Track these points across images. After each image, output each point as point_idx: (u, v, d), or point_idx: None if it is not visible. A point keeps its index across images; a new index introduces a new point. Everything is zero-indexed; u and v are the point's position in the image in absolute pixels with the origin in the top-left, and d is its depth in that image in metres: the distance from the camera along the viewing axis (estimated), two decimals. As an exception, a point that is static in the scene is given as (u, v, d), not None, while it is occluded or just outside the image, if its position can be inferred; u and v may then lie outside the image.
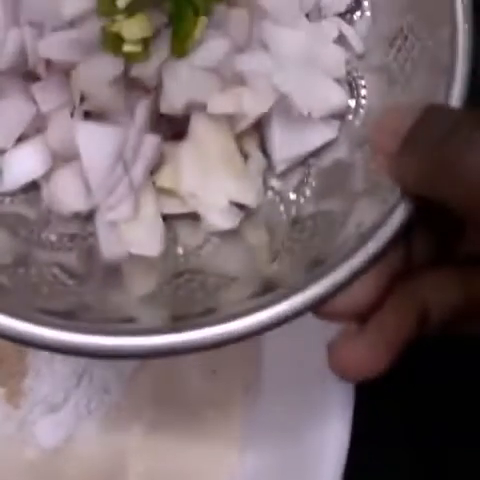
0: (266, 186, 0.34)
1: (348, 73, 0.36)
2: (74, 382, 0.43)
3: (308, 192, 0.34)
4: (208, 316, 0.29)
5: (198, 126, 0.33)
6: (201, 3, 0.31)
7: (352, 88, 0.36)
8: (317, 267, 0.29)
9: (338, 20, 0.36)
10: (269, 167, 0.34)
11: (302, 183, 0.34)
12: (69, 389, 0.43)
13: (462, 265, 0.30)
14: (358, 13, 0.36)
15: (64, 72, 0.33)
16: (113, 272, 0.32)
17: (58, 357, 0.43)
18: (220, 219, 0.33)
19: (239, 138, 0.34)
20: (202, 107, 0.32)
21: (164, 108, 0.32)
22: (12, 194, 0.34)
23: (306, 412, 0.40)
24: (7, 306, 0.28)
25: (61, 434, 0.42)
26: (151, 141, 0.33)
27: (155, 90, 0.33)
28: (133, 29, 0.30)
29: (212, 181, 0.33)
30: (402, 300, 0.29)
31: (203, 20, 0.31)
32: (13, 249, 0.33)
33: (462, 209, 0.26)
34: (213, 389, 0.44)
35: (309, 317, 0.29)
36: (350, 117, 0.35)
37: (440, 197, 0.27)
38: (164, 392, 0.44)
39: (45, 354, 0.43)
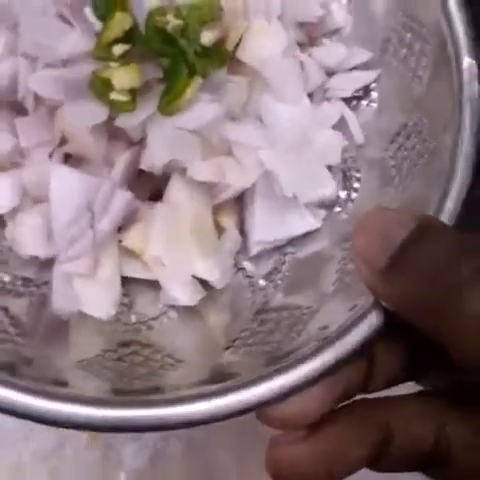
0: (237, 267, 0.31)
1: (344, 162, 0.32)
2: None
3: (280, 281, 0.30)
4: (148, 395, 0.25)
5: (176, 189, 0.30)
6: (198, 64, 0.28)
7: (346, 178, 0.32)
8: (271, 365, 0.25)
9: (342, 105, 0.33)
10: (243, 247, 0.31)
11: (275, 270, 0.31)
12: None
13: (438, 400, 0.26)
14: (365, 102, 0.33)
15: (51, 111, 0.30)
16: (59, 328, 0.29)
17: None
18: (180, 293, 0.29)
19: (217, 211, 0.30)
20: (183, 170, 0.29)
21: (144, 165, 0.29)
22: (-26, 228, 0.31)
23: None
24: None
25: (146, 455, 0.41)
26: (123, 197, 0.29)
27: (138, 145, 0.29)
28: (123, 78, 0.27)
29: (180, 251, 0.29)
30: (359, 419, 0.25)
31: (197, 81, 0.28)
32: None
33: (455, 354, 0.23)
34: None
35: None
36: (338, 209, 0.32)
37: (428, 331, 0.23)
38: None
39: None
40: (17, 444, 0.40)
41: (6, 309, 0.28)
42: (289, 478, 0.25)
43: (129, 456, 0.40)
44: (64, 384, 0.25)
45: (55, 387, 0.24)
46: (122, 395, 0.25)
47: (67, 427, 0.23)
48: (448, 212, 0.26)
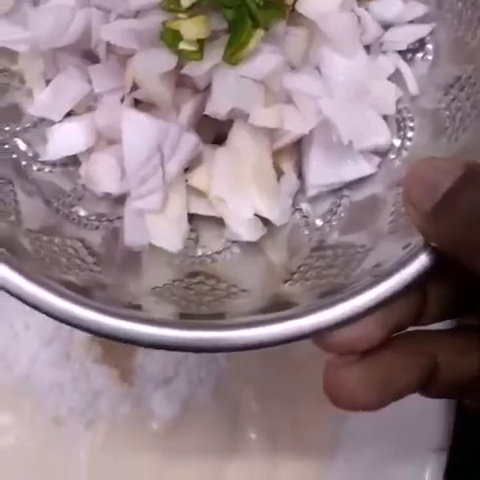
0: (295, 207, 0.33)
1: (399, 112, 0.34)
2: (183, 354, 0.42)
3: (335, 222, 0.32)
4: (214, 320, 0.27)
5: (238, 135, 0.32)
6: (261, 16, 0.29)
7: (400, 127, 0.34)
8: (328, 296, 0.27)
9: (397, 57, 0.34)
10: (301, 189, 0.33)
11: (331, 212, 0.33)
12: (178, 362, 0.43)
13: None
14: (420, 54, 0.34)
15: (122, 59, 0.32)
16: (132, 259, 0.31)
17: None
18: (243, 229, 0.31)
19: (276, 155, 0.32)
20: (245, 116, 0.31)
21: (209, 111, 0.31)
22: (52, 164, 0.34)
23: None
24: (23, 268, 0.27)
25: (176, 405, 0.42)
26: (190, 140, 0.31)
27: (203, 92, 0.31)
28: (192, 29, 0.29)
29: (241, 191, 0.31)
30: (409, 348, 0.27)
31: (259, 33, 0.30)
32: (43, 217, 0.32)
33: None
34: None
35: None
36: (392, 156, 0.33)
37: (473, 271, 0.25)
38: (268, 352, 0.43)
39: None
40: (54, 399, 0.42)
41: (83, 240, 0.31)
42: (345, 399, 0.27)
43: (160, 406, 0.42)
44: (138, 308, 0.27)
45: (129, 309, 0.27)
46: (189, 319, 0.27)
47: (142, 345, 0.26)
48: None
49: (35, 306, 0.26)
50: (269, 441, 0.42)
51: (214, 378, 0.42)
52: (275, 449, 0.42)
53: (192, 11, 0.29)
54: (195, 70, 0.30)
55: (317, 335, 0.26)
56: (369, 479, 0.41)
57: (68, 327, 0.37)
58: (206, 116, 0.32)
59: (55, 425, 0.42)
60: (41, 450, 0.42)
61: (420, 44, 0.34)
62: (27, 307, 0.30)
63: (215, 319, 0.27)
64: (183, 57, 0.30)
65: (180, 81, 0.31)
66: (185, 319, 0.27)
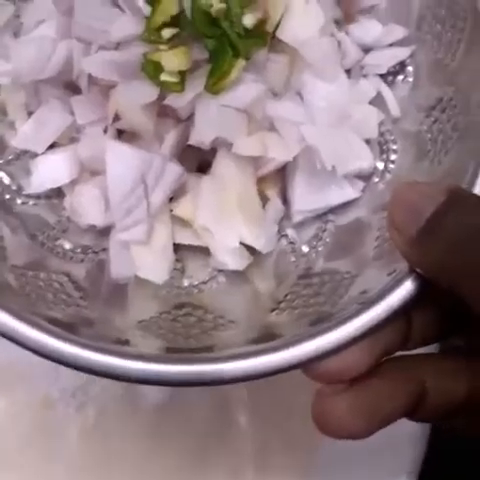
0: (280, 234, 0.33)
1: (381, 135, 0.34)
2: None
3: (321, 248, 0.32)
4: (202, 353, 0.27)
5: (222, 163, 0.32)
6: (242, 46, 0.30)
7: (383, 150, 0.34)
8: (315, 325, 0.27)
9: (378, 81, 0.34)
10: (286, 215, 0.33)
11: (316, 237, 0.33)
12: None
13: (469, 357, 0.28)
14: (400, 77, 0.35)
15: (104, 90, 0.32)
16: (118, 292, 0.31)
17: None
18: (229, 258, 0.31)
19: (261, 182, 0.32)
20: (229, 145, 0.31)
21: (193, 140, 0.31)
22: (37, 197, 0.34)
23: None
24: (7, 305, 0.27)
25: (167, 389, 0.42)
26: (174, 170, 0.31)
27: (186, 121, 0.32)
28: (173, 60, 0.29)
29: (227, 220, 0.31)
30: (397, 375, 0.27)
31: (240, 62, 0.30)
32: (28, 252, 0.32)
33: None
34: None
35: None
36: (376, 179, 0.33)
37: (459, 294, 0.25)
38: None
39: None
40: (46, 381, 0.42)
41: (69, 274, 0.31)
42: (333, 427, 0.27)
43: (150, 390, 0.42)
44: (126, 343, 0.27)
45: (117, 345, 0.27)
46: (177, 353, 0.27)
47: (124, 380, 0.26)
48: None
49: (20, 343, 0.26)
50: (257, 427, 0.42)
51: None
52: (264, 435, 0.42)
53: (173, 42, 0.30)
54: (177, 101, 0.30)
55: (305, 366, 0.26)
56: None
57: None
58: (189, 145, 0.32)
59: (46, 407, 0.42)
60: (32, 432, 0.41)
61: (400, 67, 0.35)
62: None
63: (203, 352, 0.27)
64: (165, 88, 0.30)
65: (162, 111, 0.31)
66: (172, 353, 0.27)
